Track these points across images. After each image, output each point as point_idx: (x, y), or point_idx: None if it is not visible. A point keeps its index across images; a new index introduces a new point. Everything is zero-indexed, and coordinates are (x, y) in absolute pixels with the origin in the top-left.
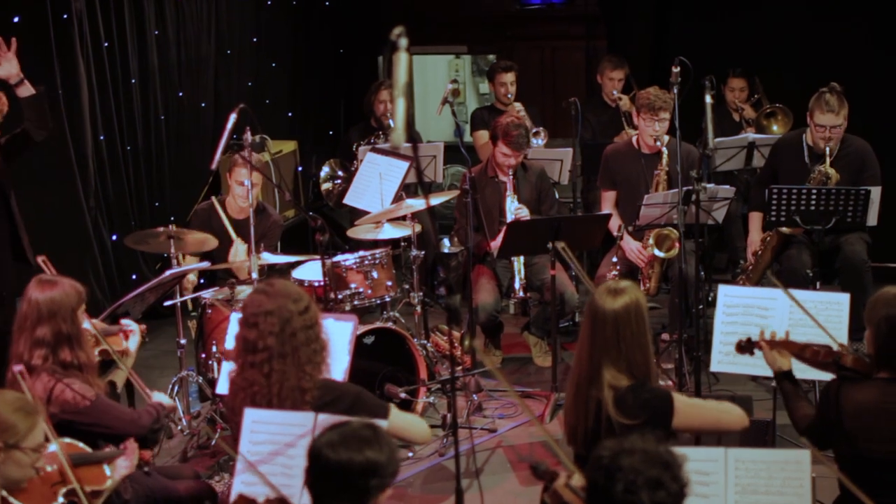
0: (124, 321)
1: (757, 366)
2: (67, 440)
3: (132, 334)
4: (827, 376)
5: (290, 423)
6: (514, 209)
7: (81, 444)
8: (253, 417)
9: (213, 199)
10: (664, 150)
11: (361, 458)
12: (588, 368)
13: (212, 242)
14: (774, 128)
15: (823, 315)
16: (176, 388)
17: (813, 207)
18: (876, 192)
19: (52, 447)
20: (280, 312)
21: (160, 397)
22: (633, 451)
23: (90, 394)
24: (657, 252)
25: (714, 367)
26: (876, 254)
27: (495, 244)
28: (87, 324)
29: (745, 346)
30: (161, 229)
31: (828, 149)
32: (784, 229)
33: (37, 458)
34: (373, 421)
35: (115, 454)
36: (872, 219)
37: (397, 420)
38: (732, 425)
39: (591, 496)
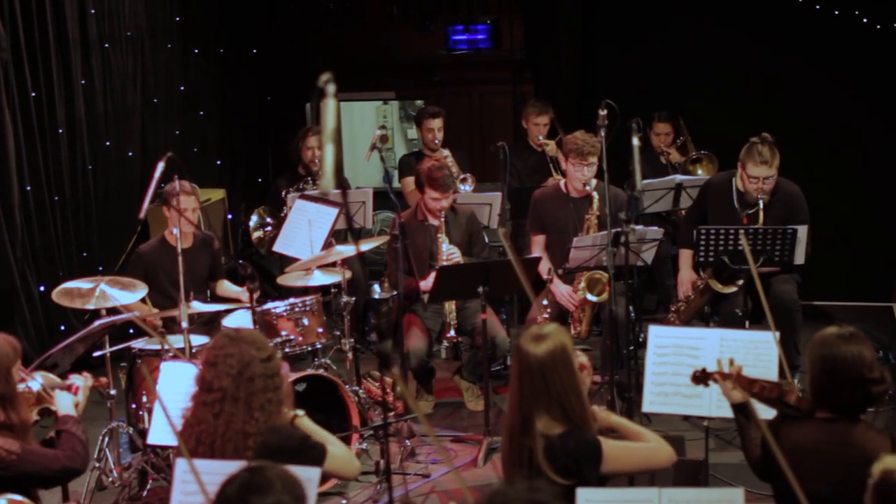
0: (72, 377)
1: (689, 405)
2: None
3: (80, 390)
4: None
5: (222, 473)
6: (446, 251)
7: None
8: (184, 468)
9: (164, 233)
10: (594, 194)
11: None
12: (519, 416)
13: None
14: (700, 172)
15: (754, 353)
16: (106, 439)
17: (741, 247)
18: (803, 231)
19: None
20: (241, 356)
21: (63, 402)
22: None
23: (15, 447)
24: (589, 296)
25: (646, 407)
26: (806, 292)
27: (425, 284)
28: (38, 377)
29: (700, 377)
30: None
31: (761, 202)
32: (718, 286)
33: None
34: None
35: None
36: (800, 257)
37: (333, 461)
38: (662, 462)
39: None
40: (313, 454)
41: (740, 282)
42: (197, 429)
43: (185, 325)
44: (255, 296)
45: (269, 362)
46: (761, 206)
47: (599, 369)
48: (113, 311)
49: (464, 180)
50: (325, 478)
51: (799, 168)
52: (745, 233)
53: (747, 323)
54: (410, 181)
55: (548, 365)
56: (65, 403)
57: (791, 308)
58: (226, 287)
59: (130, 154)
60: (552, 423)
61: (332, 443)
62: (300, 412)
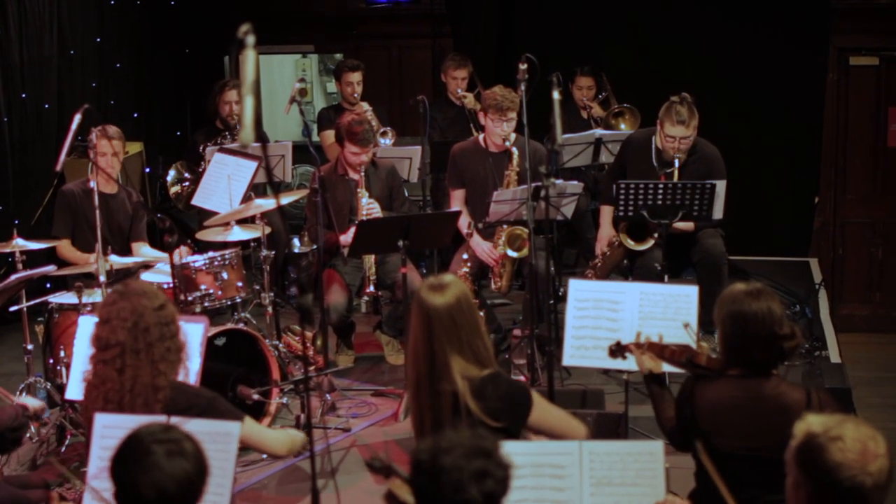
0: None
1: (608, 359)
2: None
3: None
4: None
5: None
6: (366, 205)
7: None
8: (103, 422)
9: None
10: (514, 149)
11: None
12: (430, 363)
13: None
14: (622, 126)
15: (673, 307)
16: (24, 394)
17: (660, 202)
18: (721, 186)
19: None
20: (133, 308)
21: (30, 401)
22: (450, 449)
23: None
24: (510, 252)
25: (566, 361)
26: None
27: (345, 238)
28: None
29: (617, 351)
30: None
31: (676, 161)
32: (631, 244)
33: None
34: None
35: None
36: (718, 212)
37: (251, 430)
38: (578, 434)
39: (420, 499)
40: (229, 416)
41: (652, 241)
42: (102, 389)
43: (102, 279)
44: (184, 249)
45: (162, 310)
46: (676, 165)
47: (520, 323)
48: (30, 264)
49: (384, 134)
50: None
51: (718, 123)
52: (665, 187)
53: (666, 277)
54: (330, 134)
55: (455, 309)
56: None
57: (719, 261)
58: (143, 251)
59: (47, 106)
60: (467, 366)
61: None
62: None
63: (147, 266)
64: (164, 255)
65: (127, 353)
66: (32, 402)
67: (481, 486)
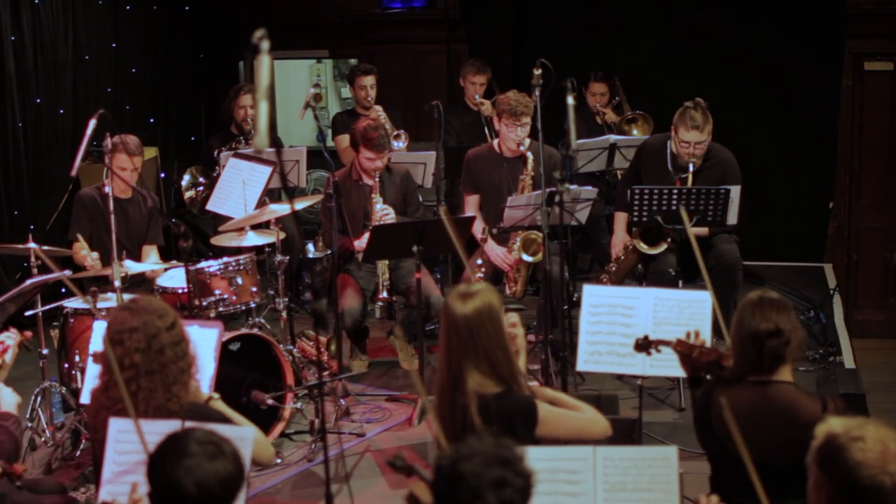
0: (1, 335)
1: (622, 365)
2: None
3: (8, 350)
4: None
5: (156, 433)
6: (380, 211)
7: None
8: (119, 427)
9: (105, 180)
10: (529, 154)
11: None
12: (449, 374)
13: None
14: (635, 132)
15: (687, 313)
16: (39, 399)
17: (674, 207)
18: (735, 191)
19: None
20: (146, 329)
21: (6, 399)
22: (471, 456)
23: None
24: (525, 256)
25: (580, 366)
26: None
27: (360, 243)
28: None
29: (644, 345)
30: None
31: (691, 165)
32: (645, 247)
33: None
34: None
35: None
36: (732, 217)
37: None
38: (596, 434)
39: None
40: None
41: (664, 245)
42: (115, 409)
43: (117, 283)
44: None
45: (173, 329)
46: (691, 169)
47: (534, 329)
48: (45, 269)
49: (397, 137)
50: None
51: (733, 128)
52: (679, 193)
53: (680, 283)
54: (344, 139)
55: (475, 322)
56: (7, 401)
57: (734, 267)
58: (151, 259)
59: (61, 111)
60: (483, 381)
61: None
62: (215, 395)
63: (163, 270)
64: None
65: (142, 376)
66: (7, 399)
67: (499, 495)
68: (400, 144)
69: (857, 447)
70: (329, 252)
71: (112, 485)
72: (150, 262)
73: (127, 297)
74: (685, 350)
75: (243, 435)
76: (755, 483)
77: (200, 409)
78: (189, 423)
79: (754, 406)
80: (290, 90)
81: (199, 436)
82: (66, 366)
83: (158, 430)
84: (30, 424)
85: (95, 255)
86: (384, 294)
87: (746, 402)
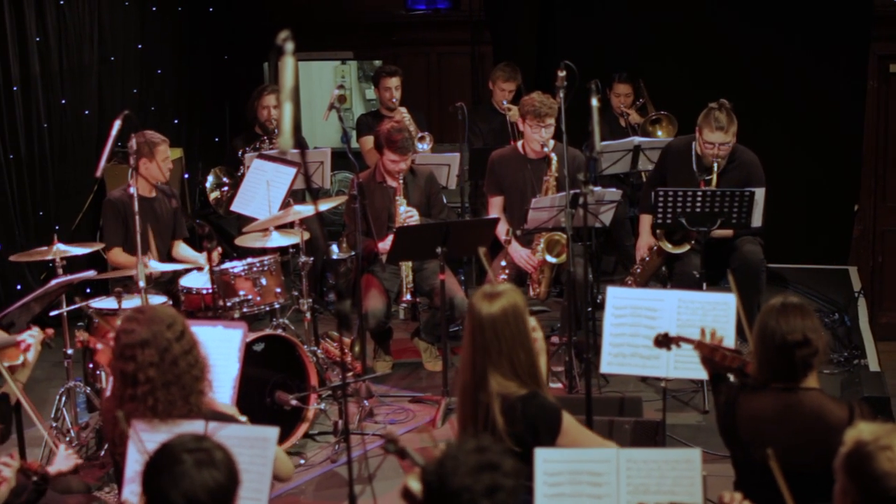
0: (24, 334)
1: (646, 366)
2: None
3: (30, 349)
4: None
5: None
6: (404, 212)
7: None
8: (140, 429)
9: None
10: (553, 155)
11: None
12: (472, 373)
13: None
14: (659, 133)
15: (711, 315)
16: (63, 398)
17: (699, 209)
18: (760, 194)
19: None
20: (157, 342)
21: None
22: (455, 469)
23: None
24: (548, 257)
25: (604, 368)
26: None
27: (384, 245)
28: None
29: (663, 341)
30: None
31: (715, 164)
32: (669, 247)
33: None
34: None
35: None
36: (757, 220)
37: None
38: None
39: None
40: None
41: (687, 246)
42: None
43: (142, 284)
44: (214, 255)
45: (183, 338)
46: (716, 170)
47: (558, 330)
48: (71, 269)
49: (421, 139)
50: None
51: (757, 130)
52: (704, 195)
53: (704, 285)
54: (368, 140)
55: (500, 322)
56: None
57: (758, 269)
58: (181, 251)
59: (87, 112)
60: (505, 381)
61: None
62: (242, 418)
63: (186, 270)
64: (200, 256)
65: (158, 389)
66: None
67: (494, 501)
68: (424, 146)
69: (885, 456)
70: (353, 253)
71: (135, 484)
72: (183, 254)
73: (152, 297)
74: (706, 353)
75: (265, 435)
76: (783, 490)
77: (222, 414)
78: (212, 424)
79: (781, 413)
80: (315, 91)
81: (190, 444)
82: (91, 366)
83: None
84: (54, 424)
85: (147, 257)
86: (408, 296)
87: (772, 408)
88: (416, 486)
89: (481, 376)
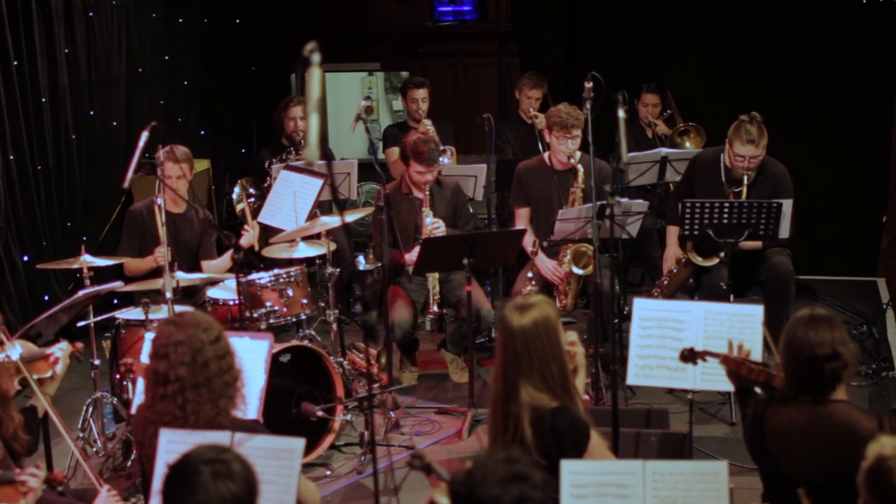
0: (53, 347)
1: (673, 378)
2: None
3: (59, 362)
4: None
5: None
6: (430, 224)
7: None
8: (169, 438)
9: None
10: (579, 167)
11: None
12: (504, 384)
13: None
14: (687, 145)
15: (738, 327)
16: (90, 409)
17: (726, 220)
18: (788, 205)
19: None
20: (191, 342)
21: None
22: (484, 479)
23: None
24: (575, 269)
25: (630, 380)
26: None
27: (410, 256)
28: (18, 345)
29: (689, 356)
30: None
31: (745, 177)
32: (699, 259)
33: None
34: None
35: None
36: (785, 231)
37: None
38: None
39: None
40: None
41: (717, 259)
42: (162, 423)
43: (168, 295)
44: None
45: (217, 343)
46: (745, 182)
47: (585, 342)
48: (98, 280)
49: (443, 152)
50: None
51: (786, 142)
52: (731, 206)
53: (732, 297)
54: (395, 151)
55: (531, 334)
56: None
57: (787, 280)
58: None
59: (115, 123)
60: (537, 394)
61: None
62: None
63: (213, 283)
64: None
65: (188, 389)
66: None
67: None
68: (445, 160)
69: None
70: (380, 264)
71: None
72: (215, 264)
73: (178, 308)
74: (732, 367)
75: (291, 446)
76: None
77: (250, 425)
78: (239, 435)
79: (810, 425)
80: (342, 102)
81: (208, 455)
82: (118, 376)
83: (208, 440)
84: (81, 435)
85: (162, 249)
86: (435, 307)
87: (801, 421)
88: (442, 501)
89: (512, 387)
